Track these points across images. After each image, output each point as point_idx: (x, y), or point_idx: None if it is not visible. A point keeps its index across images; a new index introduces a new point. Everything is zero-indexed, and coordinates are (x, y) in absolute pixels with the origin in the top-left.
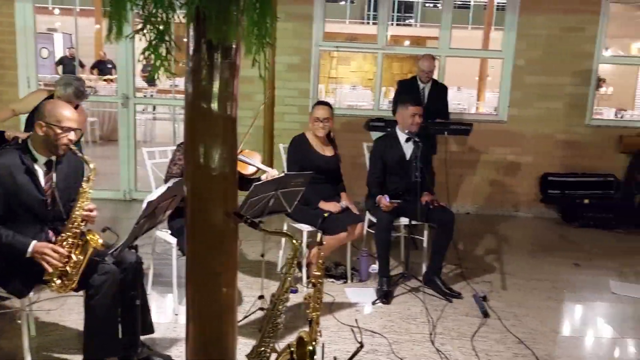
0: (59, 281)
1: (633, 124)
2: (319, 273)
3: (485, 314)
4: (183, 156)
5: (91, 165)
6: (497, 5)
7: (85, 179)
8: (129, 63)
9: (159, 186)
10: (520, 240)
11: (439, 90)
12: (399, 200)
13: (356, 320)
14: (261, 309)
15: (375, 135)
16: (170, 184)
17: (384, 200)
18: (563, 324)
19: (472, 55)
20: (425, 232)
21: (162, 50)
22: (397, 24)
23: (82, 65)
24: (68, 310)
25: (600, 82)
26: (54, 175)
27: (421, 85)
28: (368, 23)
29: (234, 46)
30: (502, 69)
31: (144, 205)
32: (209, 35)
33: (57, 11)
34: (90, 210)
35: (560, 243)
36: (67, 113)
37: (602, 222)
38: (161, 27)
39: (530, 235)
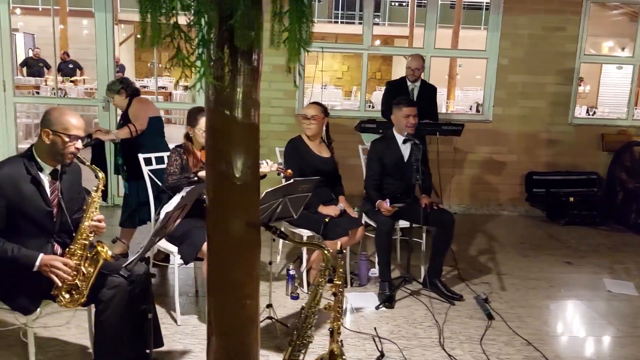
0: (67, 295)
1: (613, 122)
2: (339, 282)
3: (490, 316)
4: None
5: (99, 175)
6: (464, 5)
7: (94, 188)
8: (110, 65)
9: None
10: (509, 239)
11: (428, 90)
12: (400, 205)
13: (375, 328)
14: (269, 318)
15: (366, 137)
16: (183, 193)
17: (385, 205)
18: (567, 324)
19: (457, 55)
20: (424, 235)
21: (203, 57)
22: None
23: (47, 67)
24: (66, 325)
25: (579, 80)
26: (59, 185)
27: (410, 86)
28: (336, 22)
29: (257, 51)
30: (486, 69)
31: (162, 216)
32: (236, 41)
33: (18, 11)
34: (99, 221)
35: (548, 241)
36: (74, 121)
37: (587, 219)
38: (205, 32)
39: (518, 234)
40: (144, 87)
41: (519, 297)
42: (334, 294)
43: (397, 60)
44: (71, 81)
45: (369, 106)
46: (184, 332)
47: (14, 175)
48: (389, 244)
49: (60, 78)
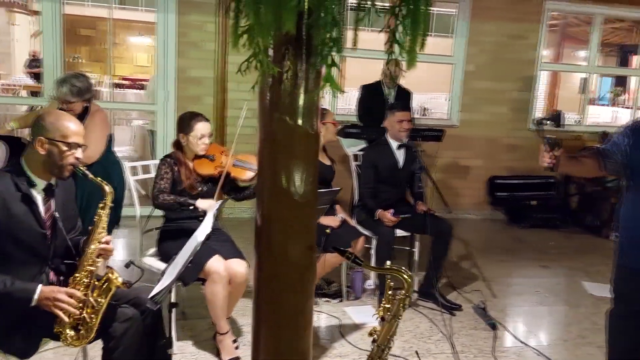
0: (73, 333)
1: (569, 129)
2: (389, 305)
3: (494, 326)
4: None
5: (107, 189)
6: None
7: (101, 205)
8: (58, 62)
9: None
10: (481, 243)
11: (404, 95)
12: (407, 215)
13: (417, 352)
14: None
15: (347, 142)
16: (215, 211)
17: (389, 215)
18: (567, 331)
19: (426, 60)
20: (417, 244)
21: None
22: None
23: None
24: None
25: None
26: (53, 203)
27: (386, 91)
28: None
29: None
30: (452, 74)
31: (198, 244)
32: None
33: None
34: (107, 243)
35: (518, 245)
36: (73, 126)
37: (548, 222)
38: (334, 35)
39: (487, 238)
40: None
41: (511, 304)
42: (382, 319)
43: (347, 63)
44: None
45: None
46: None
47: (3, 193)
48: (390, 255)
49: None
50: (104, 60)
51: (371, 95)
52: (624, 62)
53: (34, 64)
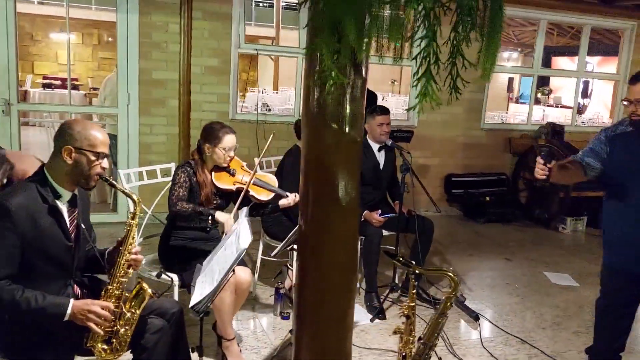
0: (105, 346)
1: (518, 127)
2: (412, 303)
3: (477, 318)
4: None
5: (134, 197)
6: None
7: (130, 214)
8: (12, 61)
9: None
10: (446, 238)
11: (370, 97)
12: (395, 214)
13: (435, 352)
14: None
15: None
16: (245, 221)
17: (376, 216)
18: (545, 320)
19: (382, 62)
20: (397, 242)
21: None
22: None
23: None
24: None
25: None
26: (77, 214)
27: None
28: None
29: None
30: (411, 76)
31: (243, 251)
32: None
33: None
34: (136, 253)
35: (479, 239)
36: (100, 136)
37: (502, 217)
38: (435, 48)
39: (450, 233)
40: None
41: (487, 296)
42: (407, 317)
43: (263, 62)
44: None
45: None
46: None
47: (30, 205)
48: (378, 254)
49: None
50: (24, 58)
51: None
52: (546, 63)
53: None
